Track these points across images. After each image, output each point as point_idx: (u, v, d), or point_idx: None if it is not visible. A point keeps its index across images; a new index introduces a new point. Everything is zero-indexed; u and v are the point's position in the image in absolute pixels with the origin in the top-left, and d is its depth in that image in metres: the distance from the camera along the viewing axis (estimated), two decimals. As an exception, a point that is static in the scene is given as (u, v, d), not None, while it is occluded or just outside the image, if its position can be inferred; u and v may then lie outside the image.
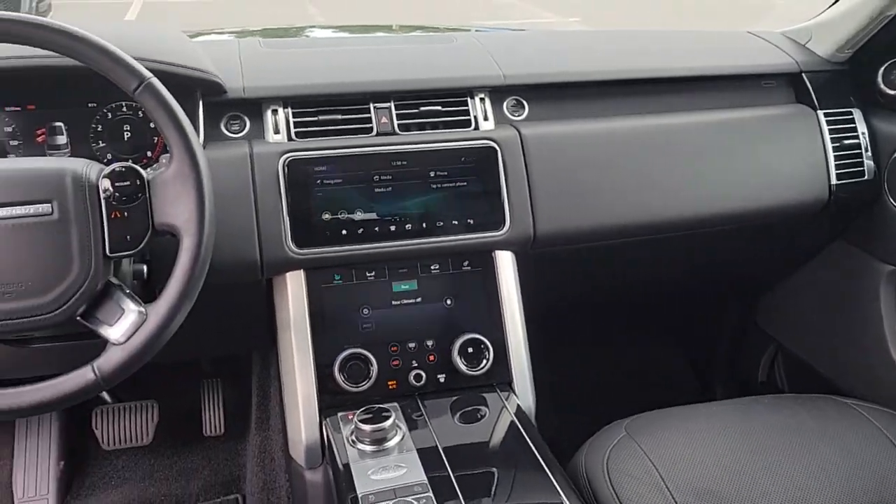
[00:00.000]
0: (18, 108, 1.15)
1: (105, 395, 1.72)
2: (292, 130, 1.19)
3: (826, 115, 1.41)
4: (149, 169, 0.93)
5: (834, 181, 1.39)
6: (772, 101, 1.44)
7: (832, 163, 1.39)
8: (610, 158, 1.28)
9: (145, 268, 1.04)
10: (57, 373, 0.87)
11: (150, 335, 0.87)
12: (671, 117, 1.35)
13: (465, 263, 1.22)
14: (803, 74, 1.45)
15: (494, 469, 1.03)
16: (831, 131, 1.40)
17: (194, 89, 1.15)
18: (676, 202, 1.30)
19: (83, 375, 0.86)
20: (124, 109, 1.18)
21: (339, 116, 1.21)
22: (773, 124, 1.39)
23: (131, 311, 0.89)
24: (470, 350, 1.19)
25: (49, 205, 0.87)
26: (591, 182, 1.26)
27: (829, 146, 1.40)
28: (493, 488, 0.99)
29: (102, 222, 0.89)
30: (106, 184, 0.90)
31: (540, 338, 1.29)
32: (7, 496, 1.61)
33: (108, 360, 0.87)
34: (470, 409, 1.16)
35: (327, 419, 1.12)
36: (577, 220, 1.25)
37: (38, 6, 6.75)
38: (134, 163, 0.93)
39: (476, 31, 1.70)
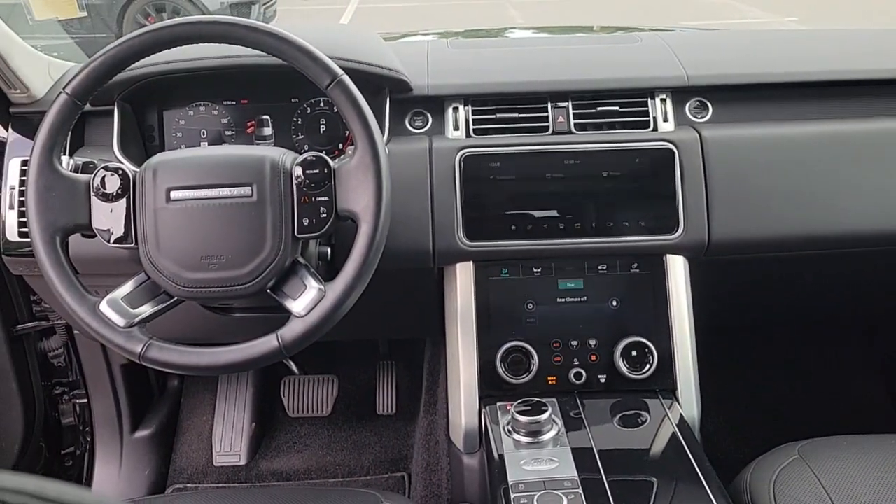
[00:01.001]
0: (234, 103, 1.29)
1: (293, 366, 1.88)
2: (471, 127, 1.24)
3: None
4: (336, 159, 1.01)
5: None
6: None
7: None
8: (798, 165, 1.21)
9: (329, 250, 1.13)
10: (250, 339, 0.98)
11: (327, 310, 0.95)
12: (872, 123, 1.24)
13: (634, 266, 1.21)
14: None
15: (649, 478, 1.01)
16: None
17: (383, 86, 1.23)
18: (872, 215, 1.20)
19: (269, 342, 0.96)
20: (321, 105, 1.29)
21: (517, 115, 1.24)
22: None
23: (312, 287, 0.98)
24: (633, 353, 1.17)
25: (249, 188, 0.98)
26: (775, 189, 1.20)
27: None
28: (645, 497, 0.97)
29: (293, 206, 0.98)
30: (298, 171, 0.99)
31: (712, 349, 1.25)
32: (207, 448, 1.81)
33: (290, 331, 0.96)
34: (630, 412, 1.14)
35: (486, 408, 1.16)
36: (756, 229, 1.19)
37: (265, 13, 7.43)
38: (327, 154, 1.01)
39: (680, 31, 1.66)
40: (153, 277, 0.99)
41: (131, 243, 0.99)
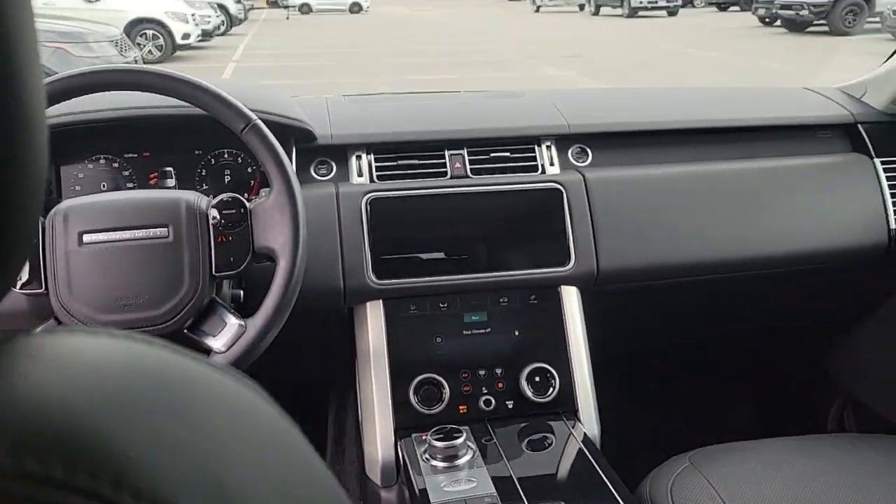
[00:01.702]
0: (135, 155, 1.30)
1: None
2: (374, 173, 1.31)
3: (883, 162, 1.45)
4: (251, 201, 1.05)
5: (894, 226, 1.42)
6: (828, 151, 1.49)
7: (891, 208, 1.43)
8: (669, 201, 1.35)
9: (242, 293, 1.15)
10: None
11: (248, 344, 0.97)
12: (728, 164, 1.42)
13: (533, 297, 1.30)
14: (858, 125, 1.50)
15: (563, 490, 1.08)
16: (889, 178, 1.44)
17: (289, 136, 1.28)
18: (732, 243, 1.36)
19: None
20: (225, 156, 1.32)
21: (417, 161, 1.32)
22: (829, 171, 1.44)
23: (232, 324, 0.99)
24: (537, 379, 1.25)
25: (165, 229, 0.99)
26: (651, 223, 1.33)
27: (888, 193, 1.43)
28: None
29: (210, 246, 1.01)
30: (214, 212, 1.02)
31: (613, 370, 1.34)
32: None
33: None
34: (538, 435, 1.21)
35: (402, 440, 1.19)
36: (638, 259, 1.32)
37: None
38: None
39: (556, 89, 1.81)
40: (64, 322, 0.97)
41: (40, 288, 0.98)
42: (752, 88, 1.70)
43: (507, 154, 1.35)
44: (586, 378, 1.27)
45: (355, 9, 28.46)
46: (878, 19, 12.51)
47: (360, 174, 1.31)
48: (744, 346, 1.78)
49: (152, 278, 0.98)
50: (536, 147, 1.37)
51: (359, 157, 1.32)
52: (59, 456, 0.21)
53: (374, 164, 1.31)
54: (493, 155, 1.35)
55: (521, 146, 1.36)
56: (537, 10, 26.20)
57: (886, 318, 1.61)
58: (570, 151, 1.39)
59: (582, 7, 25.03)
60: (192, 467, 0.23)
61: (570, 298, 1.30)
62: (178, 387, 0.25)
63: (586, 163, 1.39)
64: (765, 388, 1.89)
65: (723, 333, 1.74)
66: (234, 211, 1.02)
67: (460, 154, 1.34)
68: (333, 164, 1.32)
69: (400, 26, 20.14)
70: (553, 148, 1.38)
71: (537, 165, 1.35)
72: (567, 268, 1.29)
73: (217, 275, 1.01)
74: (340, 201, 1.26)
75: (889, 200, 1.43)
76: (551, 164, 1.36)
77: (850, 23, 13.23)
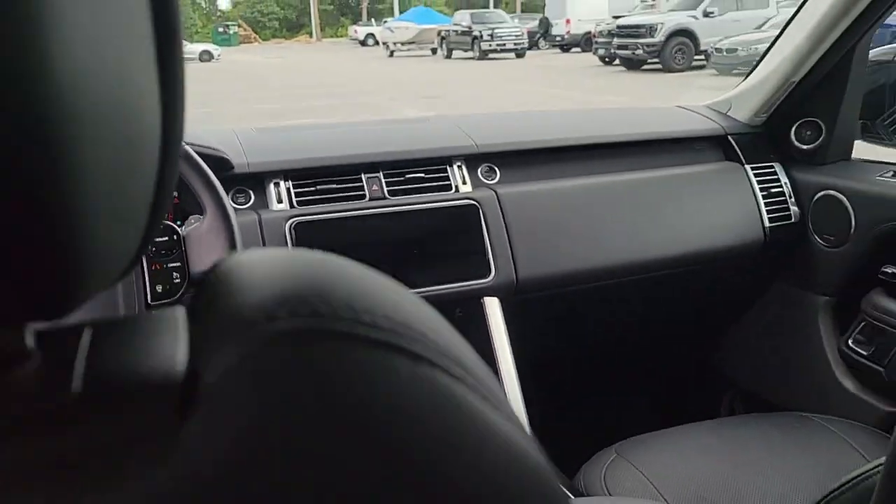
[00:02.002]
0: None
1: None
2: (294, 199, 1.32)
3: (752, 168, 1.63)
4: (183, 227, 1.03)
5: (767, 224, 1.59)
6: (704, 160, 1.65)
7: (763, 209, 1.60)
8: (574, 212, 1.45)
9: None
10: None
11: None
12: (620, 176, 1.54)
13: (458, 311, 1.34)
14: (728, 137, 1.67)
15: None
16: (759, 182, 1.61)
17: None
18: (629, 248, 1.47)
19: None
20: None
21: (335, 186, 1.34)
22: (706, 178, 1.60)
23: None
24: None
25: None
26: (560, 233, 1.42)
27: (759, 195, 1.60)
28: None
29: (144, 275, 0.98)
30: None
31: (533, 376, 1.41)
32: None
33: None
34: None
35: None
36: (551, 267, 1.40)
37: None
38: None
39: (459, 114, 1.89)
40: None
41: None
42: (635, 108, 1.85)
43: (422, 175, 1.40)
44: (514, 383, 1.32)
45: (205, 57, 27.91)
46: (703, 57, 13.82)
47: (279, 201, 1.31)
48: (647, 346, 1.91)
49: (85, 310, 0.94)
50: (448, 167, 1.43)
51: (277, 185, 1.32)
52: (337, 304, 0.26)
53: (293, 191, 1.32)
54: (408, 176, 1.39)
55: (433, 167, 1.41)
56: (391, 55, 26.72)
57: (762, 311, 1.78)
58: (479, 170, 1.46)
59: (434, 51, 25.79)
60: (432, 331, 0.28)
61: (494, 309, 1.35)
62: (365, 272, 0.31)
63: (495, 180, 1.46)
64: (668, 384, 2.02)
65: (629, 334, 1.85)
66: (166, 238, 1.00)
67: (376, 177, 1.37)
68: (251, 192, 1.32)
69: (257, 74, 19.93)
70: (464, 167, 1.44)
71: (450, 185, 1.41)
72: (488, 279, 1.35)
73: (153, 304, 0.98)
74: (264, 228, 1.25)
75: (762, 202, 1.60)
76: (464, 182, 1.42)
77: (679, 61, 14.45)
